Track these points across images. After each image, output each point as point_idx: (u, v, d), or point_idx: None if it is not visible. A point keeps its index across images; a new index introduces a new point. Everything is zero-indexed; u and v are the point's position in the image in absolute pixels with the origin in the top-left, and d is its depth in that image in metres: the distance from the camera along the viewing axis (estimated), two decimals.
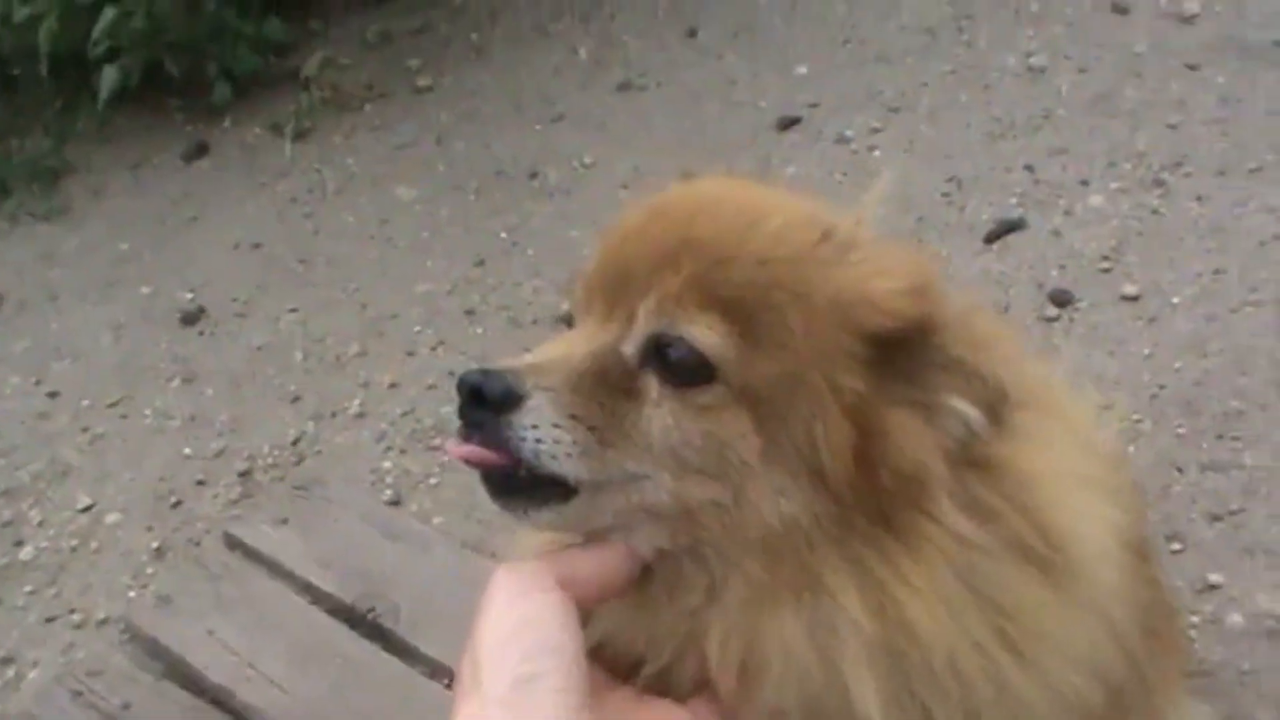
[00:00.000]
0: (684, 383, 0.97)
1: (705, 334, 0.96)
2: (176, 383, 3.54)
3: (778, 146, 3.83)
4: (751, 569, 0.97)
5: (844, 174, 3.60)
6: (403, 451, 3.06)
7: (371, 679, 2.23)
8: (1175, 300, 2.85)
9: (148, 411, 3.45)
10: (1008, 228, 3.20)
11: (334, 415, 3.25)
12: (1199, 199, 3.13)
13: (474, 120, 4.46)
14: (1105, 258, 3.03)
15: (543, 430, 0.95)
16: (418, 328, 3.49)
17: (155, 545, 2.97)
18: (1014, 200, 3.31)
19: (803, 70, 4.16)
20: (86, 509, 3.14)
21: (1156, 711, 1.36)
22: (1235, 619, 2.16)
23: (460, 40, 4.96)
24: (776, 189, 1.13)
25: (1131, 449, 2.44)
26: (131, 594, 2.84)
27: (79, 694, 2.32)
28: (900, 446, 0.95)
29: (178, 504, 3.08)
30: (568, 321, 1.11)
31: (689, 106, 4.17)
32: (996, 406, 0.97)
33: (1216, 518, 2.34)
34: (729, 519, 0.97)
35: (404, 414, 3.18)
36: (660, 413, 0.97)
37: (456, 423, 0.99)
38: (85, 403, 3.55)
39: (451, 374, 3.23)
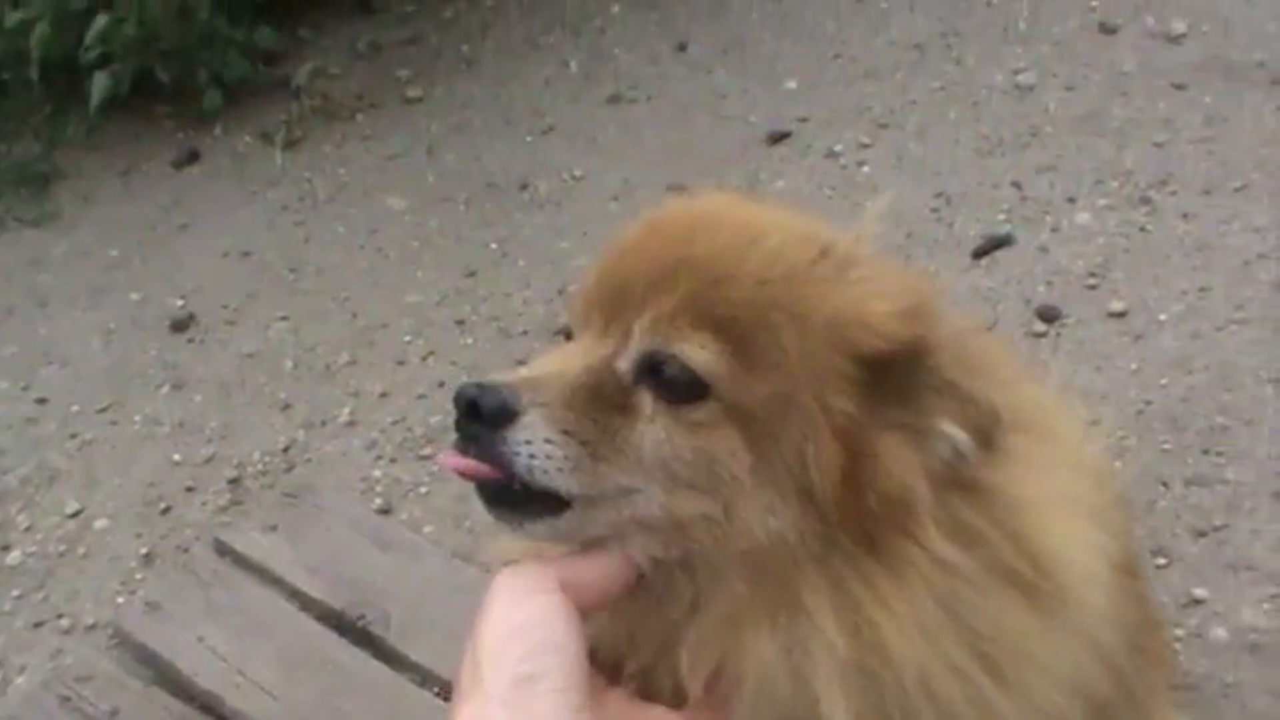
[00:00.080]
0: (677, 399, 0.98)
1: (698, 352, 0.97)
2: (166, 389, 3.53)
3: (767, 161, 3.85)
4: (736, 585, 0.98)
5: (833, 189, 3.63)
6: (393, 460, 3.06)
7: (361, 686, 2.23)
8: (1161, 317, 2.88)
9: (137, 418, 3.44)
10: (996, 244, 3.23)
11: (324, 423, 3.25)
12: (1185, 217, 3.16)
13: (464, 131, 4.47)
14: (1092, 274, 3.05)
15: (536, 445, 0.97)
16: (408, 337, 3.50)
17: (144, 551, 2.96)
18: (1002, 216, 3.34)
19: (792, 85, 4.18)
20: (75, 514, 3.13)
21: None
22: (1219, 633, 2.18)
23: (451, 51, 4.97)
24: (774, 205, 1.14)
25: (1118, 464, 2.46)
26: (120, 600, 2.83)
27: (67, 699, 2.30)
28: (888, 470, 0.95)
29: (167, 510, 3.08)
30: (566, 334, 1.12)
31: (679, 120, 4.19)
32: (988, 430, 0.97)
33: (1201, 533, 2.37)
34: (719, 532, 0.98)
35: (394, 423, 3.18)
36: (653, 428, 0.98)
37: (447, 432, 1.00)
38: (74, 408, 3.54)
39: (442, 384, 3.25)
